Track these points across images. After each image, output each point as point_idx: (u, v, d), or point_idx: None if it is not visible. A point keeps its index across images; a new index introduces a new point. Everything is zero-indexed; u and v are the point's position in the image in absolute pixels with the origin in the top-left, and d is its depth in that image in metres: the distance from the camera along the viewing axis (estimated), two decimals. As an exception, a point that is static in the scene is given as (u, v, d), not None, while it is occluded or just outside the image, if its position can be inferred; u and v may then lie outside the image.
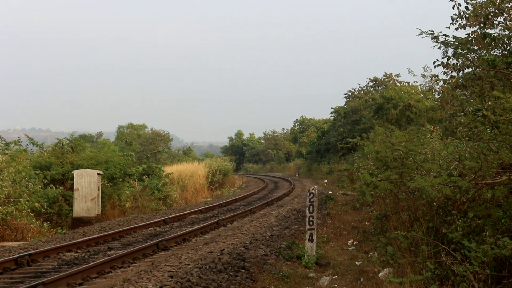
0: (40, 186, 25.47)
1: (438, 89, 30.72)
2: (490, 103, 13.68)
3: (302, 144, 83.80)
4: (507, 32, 16.47)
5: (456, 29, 17.50)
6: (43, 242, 18.05)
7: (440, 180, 9.62)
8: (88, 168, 28.25)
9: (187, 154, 77.22)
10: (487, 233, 9.05)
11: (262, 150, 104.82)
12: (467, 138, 12.91)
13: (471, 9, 17.02)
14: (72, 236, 19.48)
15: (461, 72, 18.06)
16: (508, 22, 16.69)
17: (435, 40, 15.90)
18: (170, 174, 40.14)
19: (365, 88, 59.35)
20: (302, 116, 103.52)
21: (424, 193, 10.14)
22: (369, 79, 59.02)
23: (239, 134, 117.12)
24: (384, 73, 57.40)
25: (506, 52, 15.99)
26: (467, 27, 17.33)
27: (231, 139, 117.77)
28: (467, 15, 17.13)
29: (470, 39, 16.74)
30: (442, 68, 18.12)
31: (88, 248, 16.96)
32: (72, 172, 27.30)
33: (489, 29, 16.68)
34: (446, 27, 17.65)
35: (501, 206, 9.60)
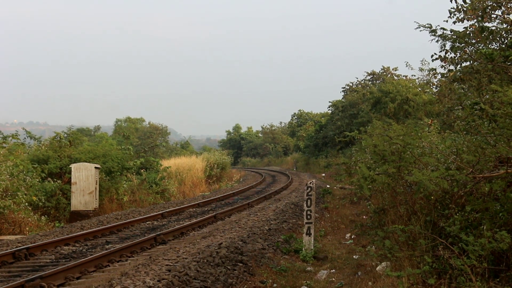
0: (37, 180, 25.45)
1: (435, 83, 30.69)
2: (488, 96, 13.66)
3: (300, 138, 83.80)
4: (505, 25, 16.45)
5: (454, 22, 17.47)
6: (41, 236, 18.06)
7: (437, 174, 9.61)
8: (86, 161, 28.24)
9: (185, 148, 77.26)
10: (485, 227, 9.05)
11: (260, 144, 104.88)
12: (464, 132, 12.90)
13: (469, 2, 16.99)
14: (69, 230, 19.49)
15: (458, 65, 18.03)
16: (506, 16, 16.67)
17: (433, 33, 15.89)
18: (168, 168, 40.18)
19: (362, 82, 59.31)
20: (300, 110, 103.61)
21: (422, 187, 10.13)
22: (367, 72, 59.01)
23: (237, 128, 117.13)
24: (382, 67, 57.39)
25: (504, 46, 15.96)
26: (465, 21, 17.30)
27: (229, 132, 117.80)
28: (464, 9, 17.10)
29: (468, 32, 16.71)
30: (440, 62, 18.09)
31: (86, 242, 16.97)
32: (70, 166, 27.29)
33: (487, 23, 16.66)
34: (444, 21, 17.67)
35: (499, 200, 9.59)
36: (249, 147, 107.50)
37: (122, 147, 37.68)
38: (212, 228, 19.33)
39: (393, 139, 11.94)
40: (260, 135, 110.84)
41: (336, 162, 43.96)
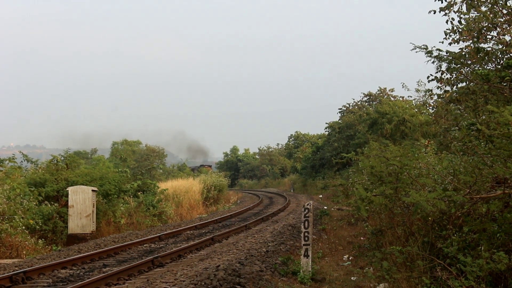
0: (34, 203, 25.40)
1: (432, 104, 30.81)
2: (484, 117, 13.71)
3: (297, 160, 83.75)
4: (500, 46, 16.54)
5: (450, 43, 17.56)
6: (38, 259, 17.99)
7: (435, 195, 9.62)
8: (82, 184, 28.21)
9: (181, 170, 77.16)
10: (483, 248, 9.05)
11: (257, 166, 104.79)
12: (461, 153, 12.93)
13: (464, 23, 17.09)
14: (67, 253, 19.42)
15: (455, 86, 18.09)
16: (501, 36, 16.76)
17: (429, 54, 15.96)
18: (165, 190, 40.04)
19: (359, 103, 59.45)
20: (296, 131, 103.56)
21: (419, 208, 10.13)
22: (364, 93, 59.18)
23: (234, 150, 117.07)
24: (379, 88, 57.55)
25: (499, 66, 16.04)
26: (460, 42, 17.39)
27: (226, 154, 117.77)
28: (460, 30, 17.19)
29: (463, 53, 16.80)
30: (436, 83, 18.16)
31: (83, 265, 16.90)
32: (67, 189, 27.26)
33: (482, 44, 16.75)
34: (440, 42, 17.71)
35: (496, 220, 9.60)
36: (246, 169, 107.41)
37: (119, 169, 37.63)
38: (209, 250, 19.27)
39: (390, 160, 11.96)
40: (257, 156, 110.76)
41: (333, 184, 43.89)
